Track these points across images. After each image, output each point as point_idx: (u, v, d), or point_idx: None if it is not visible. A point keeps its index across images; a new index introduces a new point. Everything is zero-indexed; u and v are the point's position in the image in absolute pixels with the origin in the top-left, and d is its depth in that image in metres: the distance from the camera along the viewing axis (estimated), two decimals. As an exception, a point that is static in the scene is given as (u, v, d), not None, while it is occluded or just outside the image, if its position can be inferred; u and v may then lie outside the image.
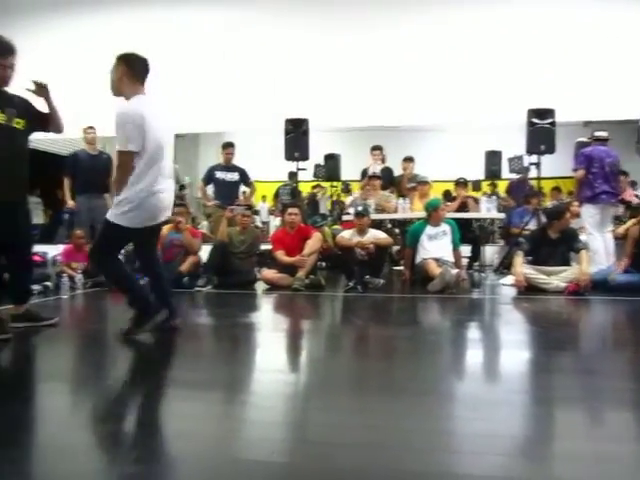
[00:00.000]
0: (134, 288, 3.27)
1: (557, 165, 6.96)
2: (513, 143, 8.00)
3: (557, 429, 1.96)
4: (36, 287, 4.91)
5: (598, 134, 6.03)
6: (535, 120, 6.61)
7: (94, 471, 1.59)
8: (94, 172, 6.30)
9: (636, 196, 6.76)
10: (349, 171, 8.91)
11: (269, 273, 5.60)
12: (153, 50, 8.83)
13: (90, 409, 2.17)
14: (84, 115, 7.23)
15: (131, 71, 3.14)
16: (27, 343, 3.35)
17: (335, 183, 9.75)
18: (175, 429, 1.89)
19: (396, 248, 6.85)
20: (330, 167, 8.83)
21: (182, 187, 7.21)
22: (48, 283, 5.39)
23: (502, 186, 10.49)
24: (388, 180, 7.50)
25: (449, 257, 5.55)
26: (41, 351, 3.31)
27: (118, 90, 3.17)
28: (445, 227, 5.64)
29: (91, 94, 8.47)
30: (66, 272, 5.51)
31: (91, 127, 6.50)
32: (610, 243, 5.81)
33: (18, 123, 3.31)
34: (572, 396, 2.24)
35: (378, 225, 6.24)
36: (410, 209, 6.50)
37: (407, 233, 5.93)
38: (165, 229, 5.63)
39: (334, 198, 10.07)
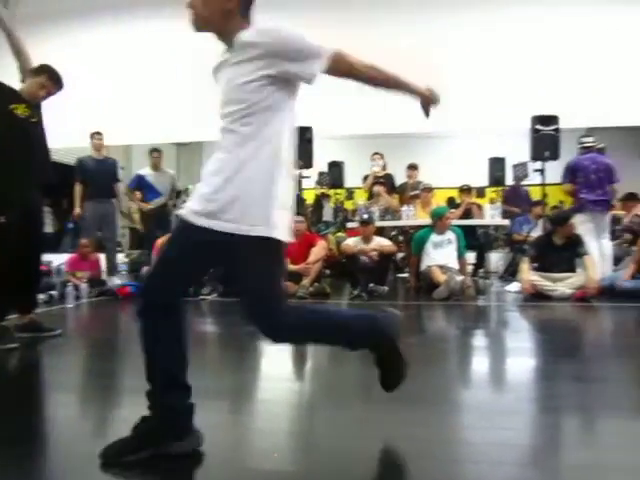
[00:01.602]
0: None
1: (562, 171, 6.93)
2: (517, 150, 8.00)
3: (567, 438, 1.94)
4: (41, 296, 4.91)
5: (584, 141, 6.04)
6: (539, 127, 6.61)
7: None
8: (101, 177, 6.29)
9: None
10: (353, 178, 8.92)
11: (274, 281, 5.58)
12: (158, 58, 8.95)
13: (96, 419, 2.16)
14: (91, 123, 7.27)
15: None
16: (33, 352, 3.34)
17: (339, 190, 9.76)
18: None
19: (401, 255, 6.84)
20: (334, 174, 8.84)
21: (179, 194, 7.18)
22: (53, 292, 5.39)
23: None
24: (389, 187, 7.52)
25: (454, 265, 5.53)
26: (47, 361, 3.30)
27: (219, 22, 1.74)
28: (450, 235, 5.63)
29: (97, 103, 8.61)
30: (71, 281, 5.51)
31: (99, 133, 6.50)
32: (608, 249, 5.80)
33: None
34: (581, 404, 2.21)
35: (383, 232, 6.24)
36: (414, 216, 6.50)
37: (412, 241, 5.92)
38: (166, 237, 5.64)
39: (338, 205, 10.07)
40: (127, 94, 8.67)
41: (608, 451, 1.73)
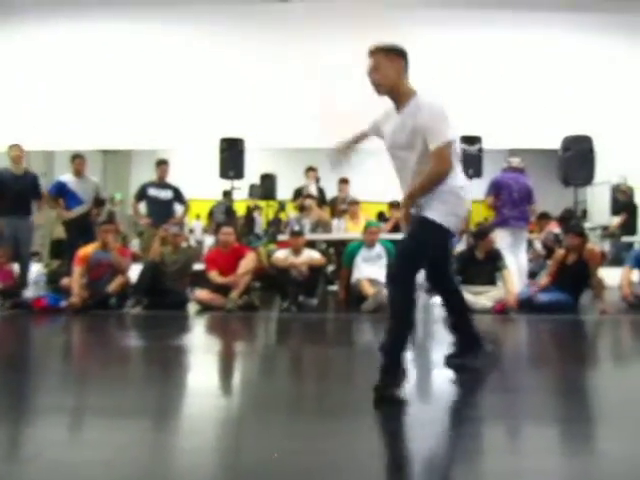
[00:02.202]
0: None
1: (485, 189, 7.26)
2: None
3: (488, 445, 2.01)
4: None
5: (511, 160, 6.39)
6: (464, 146, 6.90)
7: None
8: (18, 193, 5.97)
9: (556, 236, 7.18)
10: (285, 190, 8.93)
11: (202, 293, 5.48)
12: (87, 65, 8.66)
13: (8, 438, 2.01)
14: (10, 126, 6.89)
15: (406, 65, 2.70)
16: None
17: (271, 202, 9.74)
18: (100, 458, 1.78)
19: (331, 268, 6.90)
20: (266, 186, 8.83)
21: (103, 202, 6.90)
22: (-38, 304, 5.03)
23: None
24: (320, 200, 7.60)
25: (383, 279, 5.63)
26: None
27: (395, 87, 2.64)
28: (380, 250, 5.73)
29: (18, 105, 8.17)
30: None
31: (16, 145, 6.15)
32: (523, 264, 6.13)
33: None
34: (498, 413, 2.30)
35: (314, 244, 6.27)
36: (345, 230, 6.60)
37: (343, 254, 5.99)
38: (91, 247, 5.42)
39: (270, 217, 10.05)
40: (52, 98, 8.30)
41: (527, 456, 1.80)
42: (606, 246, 9.50)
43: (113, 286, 5.23)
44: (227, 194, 8.95)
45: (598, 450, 1.93)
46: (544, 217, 7.64)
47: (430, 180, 2.47)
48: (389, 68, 2.60)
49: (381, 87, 2.63)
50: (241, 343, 4.30)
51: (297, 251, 5.56)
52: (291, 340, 4.35)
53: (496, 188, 6.16)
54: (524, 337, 4.61)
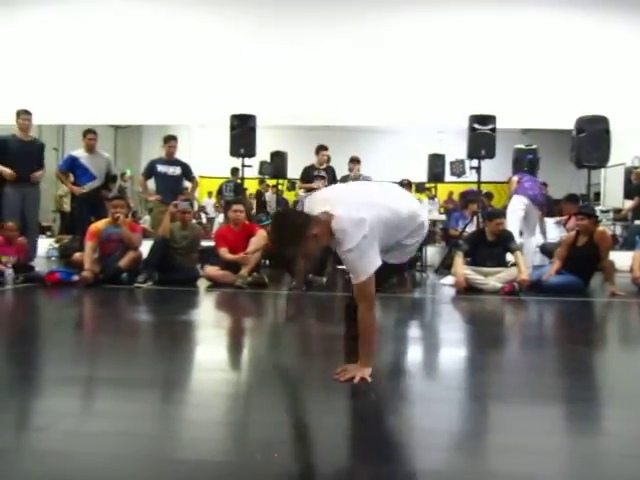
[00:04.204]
0: None
1: (497, 170, 7.21)
2: (456, 147, 8.23)
3: (492, 424, 2.02)
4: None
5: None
6: (477, 125, 6.82)
7: (28, 472, 1.50)
8: (25, 160, 5.95)
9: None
10: (295, 169, 8.90)
11: (212, 270, 5.51)
12: (99, 39, 8.62)
13: (20, 409, 2.06)
14: (22, 99, 6.88)
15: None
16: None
17: (281, 181, 9.72)
18: (112, 429, 1.82)
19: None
20: (277, 165, 8.80)
21: (114, 178, 6.89)
22: (-26, 277, 5.09)
23: (443, 189, 10.75)
24: (330, 180, 7.54)
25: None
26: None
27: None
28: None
29: (31, 79, 8.17)
30: (-5, 266, 5.22)
31: (27, 112, 6.11)
32: (531, 247, 6.25)
33: None
34: (505, 392, 2.31)
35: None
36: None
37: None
38: (102, 223, 5.45)
39: (280, 196, 10.04)
40: (64, 72, 8.30)
41: (529, 435, 1.81)
42: (618, 229, 9.42)
43: (125, 261, 5.28)
44: (235, 171, 8.95)
45: (605, 430, 1.94)
46: (572, 200, 6.85)
47: (367, 332, 2.31)
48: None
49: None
50: (249, 319, 4.34)
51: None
52: (298, 317, 4.37)
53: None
54: (532, 318, 4.61)
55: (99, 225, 5.42)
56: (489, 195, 9.04)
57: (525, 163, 6.86)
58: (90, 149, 6.41)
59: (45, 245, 8.03)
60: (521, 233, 6.20)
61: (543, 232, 6.55)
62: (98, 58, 8.27)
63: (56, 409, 2.01)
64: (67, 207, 9.63)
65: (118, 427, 1.83)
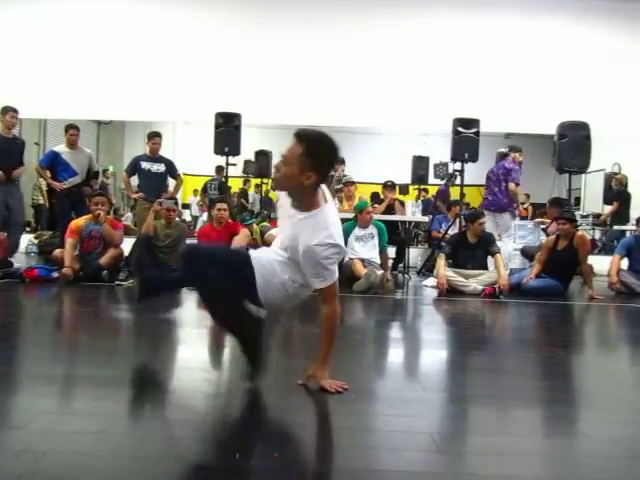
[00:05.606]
0: None
1: (480, 173, 7.27)
2: (440, 150, 8.29)
3: (473, 426, 2.04)
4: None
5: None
6: (460, 129, 6.87)
7: (5, 470, 1.48)
8: (10, 158, 5.88)
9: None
10: (280, 169, 8.89)
11: (194, 269, 5.46)
12: (83, 35, 8.51)
13: (-7, 408, 2.02)
14: (3, 93, 6.78)
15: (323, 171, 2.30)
16: None
17: (265, 180, 9.70)
18: (90, 428, 1.80)
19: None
20: (261, 164, 8.78)
21: (96, 174, 6.81)
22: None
23: (431, 191, 10.78)
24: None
25: (376, 259, 5.66)
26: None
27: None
28: (373, 230, 5.74)
29: (12, 72, 8.04)
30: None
31: (15, 110, 6.01)
32: (505, 250, 6.35)
33: None
34: (484, 394, 2.34)
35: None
36: (339, 209, 6.58)
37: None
38: (83, 219, 5.39)
39: (264, 195, 10.02)
40: (47, 66, 8.18)
41: (512, 437, 1.83)
42: (597, 234, 9.57)
43: (106, 259, 5.22)
44: (220, 169, 8.91)
45: (582, 432, 1.97)
46: (556, 204, 6.67)
47: (333, 332, 2.31)
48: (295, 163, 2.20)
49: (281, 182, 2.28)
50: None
51: (290, 229, 5.56)
52: (280, 317, 4.36)
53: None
54: (512, 320, 4.66)
55: (80, 222, 5.36)
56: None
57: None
58: (72, 145, 6.33)
59: (24, 241, 7.92)
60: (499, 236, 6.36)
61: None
62: (81, 52, 8.17)
63: (33, 407, 1.99)
64: (42, 200, 9.52)
65: (96, 426, 1.81)
